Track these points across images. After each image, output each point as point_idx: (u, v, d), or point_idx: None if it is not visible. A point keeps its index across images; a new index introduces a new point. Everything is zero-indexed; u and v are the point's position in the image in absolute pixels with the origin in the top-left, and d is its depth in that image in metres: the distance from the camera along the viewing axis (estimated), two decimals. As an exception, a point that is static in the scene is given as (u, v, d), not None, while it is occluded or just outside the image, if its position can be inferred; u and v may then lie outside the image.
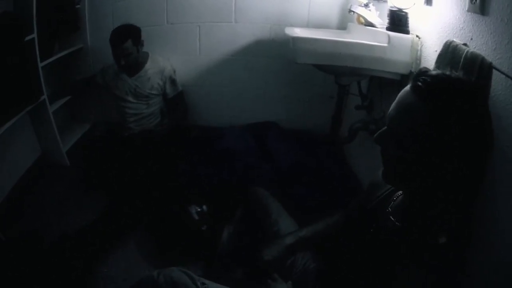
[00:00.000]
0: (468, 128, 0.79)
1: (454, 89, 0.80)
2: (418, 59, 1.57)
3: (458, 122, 0.78)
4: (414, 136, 0.80)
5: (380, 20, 1.85)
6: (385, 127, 0.87)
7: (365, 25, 1.92)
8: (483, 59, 1.02)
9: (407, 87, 0.85)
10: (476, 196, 0.99)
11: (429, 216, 0.86)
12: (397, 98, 0.86)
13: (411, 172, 0.85)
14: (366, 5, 1.91)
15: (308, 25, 2.55)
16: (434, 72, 0.83)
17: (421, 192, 0.88)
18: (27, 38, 2.06)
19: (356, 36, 1.99)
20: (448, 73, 0.84)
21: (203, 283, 1.05)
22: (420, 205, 0.89)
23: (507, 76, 0.95)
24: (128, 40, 2.29)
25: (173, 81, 2.59)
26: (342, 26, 2.47)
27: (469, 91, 0.82)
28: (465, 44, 1.15)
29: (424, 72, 0.84)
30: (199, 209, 1.88)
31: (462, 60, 1.08)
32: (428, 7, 1.49)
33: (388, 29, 1.67)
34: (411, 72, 1.60)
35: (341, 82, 1.97)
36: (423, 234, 0.85)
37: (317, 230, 1.36)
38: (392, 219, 0.95)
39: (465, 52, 1.09)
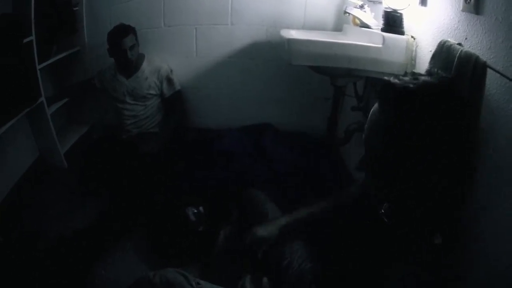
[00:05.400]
0: (447, 127, 0.88)
1: (411, 96, 0.91)
2: (413, 59, 1.58)
3: (429, 122, 0.88)
4: (385, 141, 0.92)
5: (375, 21, 1.86)
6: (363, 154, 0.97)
7: (361, 26, 1.93)
8: (477, 58, 1.03)
9: (375, 106, 0.98)
10: (464, 197, 1.00)
11: (420, 216, 0.88)
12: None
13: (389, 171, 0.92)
14: (361, 7, 1.92)
15: (304, 27, 2.56)
16: (397, 83, 0.93)
17: (407, 193, 0.92)
18: (25, 40, 2.06)
19: (351, 38, 2.00)
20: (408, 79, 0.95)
21: (198, 283, 1.06)
22: (408, 205, 0.92)
23: (501, 75, 0.96)
24: (130, 34, 2.36)
25: (169, 80, 2.59)
26: (338, 27, 2.48)
27: (433, 93, 0.92)
28: (459, 44, 1.16)
29: (385, 85, 0.95)
30: (195, 211, 1.87)
31: (456, 59, 1.09)
32: (423, 7, 1.50)
33: (383, 30, 1.68)
34: (406, 73, 1.61)
35: (336, 83, 1.98)
36: (418, 234, 0.85)
37: (312, 212, 1.39)
38: (385, 219, 0.96)
39: (459, 52, 1.09)
